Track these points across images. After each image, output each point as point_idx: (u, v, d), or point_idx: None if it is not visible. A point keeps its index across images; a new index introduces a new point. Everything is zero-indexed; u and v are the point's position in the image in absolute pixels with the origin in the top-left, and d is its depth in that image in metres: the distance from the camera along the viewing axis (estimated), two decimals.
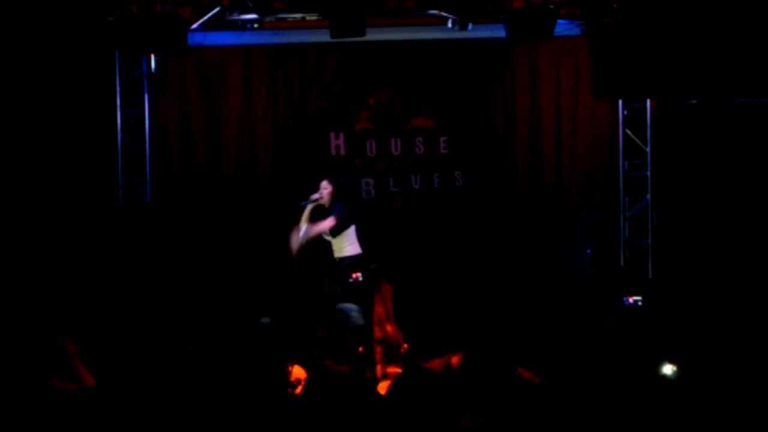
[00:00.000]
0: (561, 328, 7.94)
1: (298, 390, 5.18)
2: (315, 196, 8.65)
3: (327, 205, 8.72)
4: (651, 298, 8.61)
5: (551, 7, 8.65)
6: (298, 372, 5.30)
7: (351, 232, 8.77)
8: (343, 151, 10.06)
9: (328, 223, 8.54)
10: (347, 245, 8.74)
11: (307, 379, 5.23)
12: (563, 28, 8.91)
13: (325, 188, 8.69)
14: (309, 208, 8.64)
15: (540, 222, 9.94)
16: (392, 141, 10.06)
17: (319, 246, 8.79)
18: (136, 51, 9.40)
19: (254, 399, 4.78)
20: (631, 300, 8.46)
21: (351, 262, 8.72)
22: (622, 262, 9.69)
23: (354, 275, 8.96)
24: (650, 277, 9.53)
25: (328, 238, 8.71)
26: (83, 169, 9.55)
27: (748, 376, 5.88)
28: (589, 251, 9.75)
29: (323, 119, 10.04)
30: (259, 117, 10.04)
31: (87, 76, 9.50)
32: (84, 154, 9.57)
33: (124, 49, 9.48)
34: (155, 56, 9.72)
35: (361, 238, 9.91)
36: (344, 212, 8.68)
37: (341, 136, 10.06)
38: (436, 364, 5.19)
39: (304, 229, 8.56)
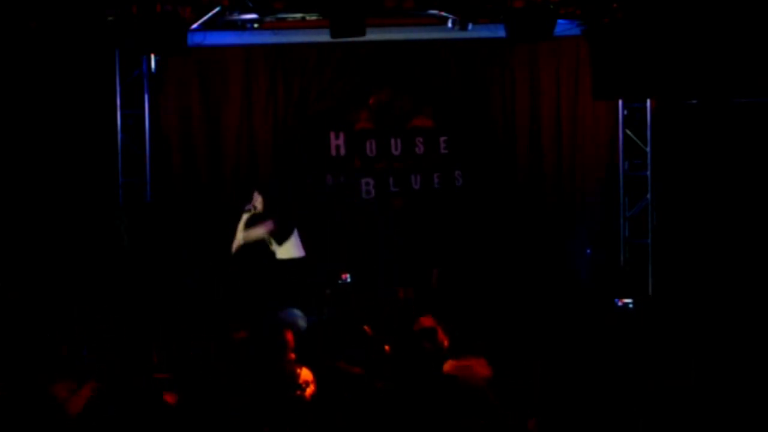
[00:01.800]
0: (561, 328, 7.95)
1: (308, 392, 5.17)
2: (248, 206, 8.64)
3: (261, 212, 8.70)
4: (645, 301, 8.62)
5: (551, 7, 8.64)
6: (306, 374, 5.28)
7: (294, 236, 8.77)
8: (343, 151, 10.05)
9: (266, 226, 8.56)
10: (292, 248, 8.74)
11: (317, 381, 5.21)
12: (563, 28, 8.92)
13: (256, 199, 8.69)
14: (244, 217, 8.65)
15: (540, 222, 9.94)
16: (392, 141, 10.05)
17: (261, 250, 8.83)
18: (136, 51, 9.40)
19: (254, 400, 4.78)
20: (621, 303, 8.46)
21: (296, 263, 8.73)
22: (622, 262, 9.68)
23: (343, 276, 8.98)
24: (650, 277, 9.53)
25: (274, 247, 8.69)
26: (83, 169, 9.55)
27: (748, 376, 5.88)
28: (589, 251, 9.75)
29: (323, 119, 10.04)
30: (259, 117, 10.04)
31: (87, 76, 9.50)
32: (84, 154, 9.56)
33: (124, 49, 9.48)
34: (155, 56, 9.73)
35: (361, 238, 9.96)
36: (284, 219, 8.69)
37: (341, 136, 10.05)
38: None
39: (241, 236, 8.62)
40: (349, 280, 9.02)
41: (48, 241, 9.26)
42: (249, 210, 8.60)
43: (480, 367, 5.44)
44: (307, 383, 5.19)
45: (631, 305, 8.47)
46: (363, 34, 8.59)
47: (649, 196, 9.61)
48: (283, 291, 8.61)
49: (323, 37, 8.85)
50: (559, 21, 8.72)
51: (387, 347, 5.97)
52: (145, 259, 9.45)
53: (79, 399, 4.65)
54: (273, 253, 8.73)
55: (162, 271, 9.54)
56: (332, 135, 10.05)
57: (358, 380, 5.21)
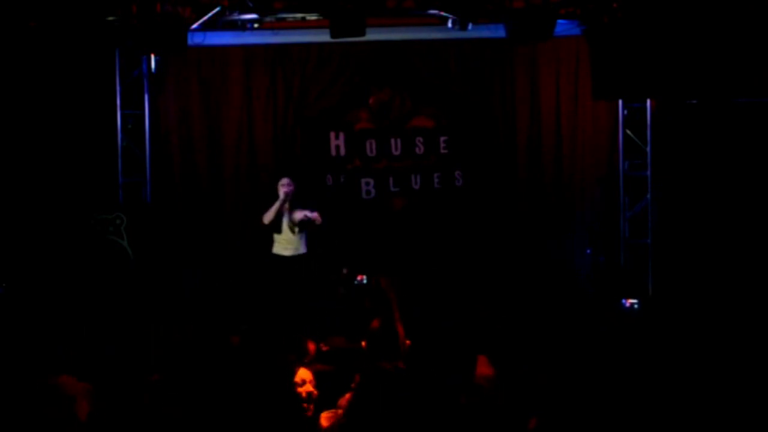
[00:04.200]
0: (561, 327, 7.95)
1: (304, 391, 5.16)
2: (285, 190, 8.63)
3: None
4: (649, 301, 8.61)
5: (551, 7, 8.64)
6: (303, 373, 5.27)
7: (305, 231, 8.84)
8: (343, 151, 10.07)
9: (315, 215, 8.61)
10: (302, 245, 8.77)
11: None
12: (563, 28, 8.91)
13: (287, 185, 8.71)
14: (282, 200, 8.67)
15: (540, 222, 9.94)
16: (392, 141, 10.07)
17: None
18: (136, 51, 9.40)
19: (257, 401, 4.78)
20: (628, 303, 8.46)
21: (306, 259, 8.76)
22: (622, 262, 9.69)
23: (359, 277, 8.99)
24: (650, 277, 9.53)
25: (295, 234, 8.69)
26: (83, 169, 9.55)
27: (748, 377, 5.88)
28: (589, 251, 9.75)
29: (323, 119, 10.05)
30: (259, 117, 10.04)
31: (87, 76, 9.50)
32: (84, 154, 9.56)
33: (124, 49, 9.49)
34: (155, 56, 9.73)
35: (362, 238, 9.96)
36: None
37: (341, 136, 10.07)
38: None
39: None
40: (365, 281, 9.01)
41: (47, 240, 9.25)
42: (288, 194, 8.65)
43: (482, 366, 5.42)
44: (303, 381, 5.18)
45: (636, 306, 8.48)
46: (363, 34, 8.59)
47: (649, 196, 9.61)
48: (283, 288, 8.62)
49: (323, 37, 8.85)
50: (559, 21, 8.71)
51: (363, 343, 5.97)
52: (145, 259, 9.45)
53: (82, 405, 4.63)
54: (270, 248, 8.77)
55: (162, 271, 9.54)
56: (332, 135, 10.06)
57: (399, 376, 5.20)
